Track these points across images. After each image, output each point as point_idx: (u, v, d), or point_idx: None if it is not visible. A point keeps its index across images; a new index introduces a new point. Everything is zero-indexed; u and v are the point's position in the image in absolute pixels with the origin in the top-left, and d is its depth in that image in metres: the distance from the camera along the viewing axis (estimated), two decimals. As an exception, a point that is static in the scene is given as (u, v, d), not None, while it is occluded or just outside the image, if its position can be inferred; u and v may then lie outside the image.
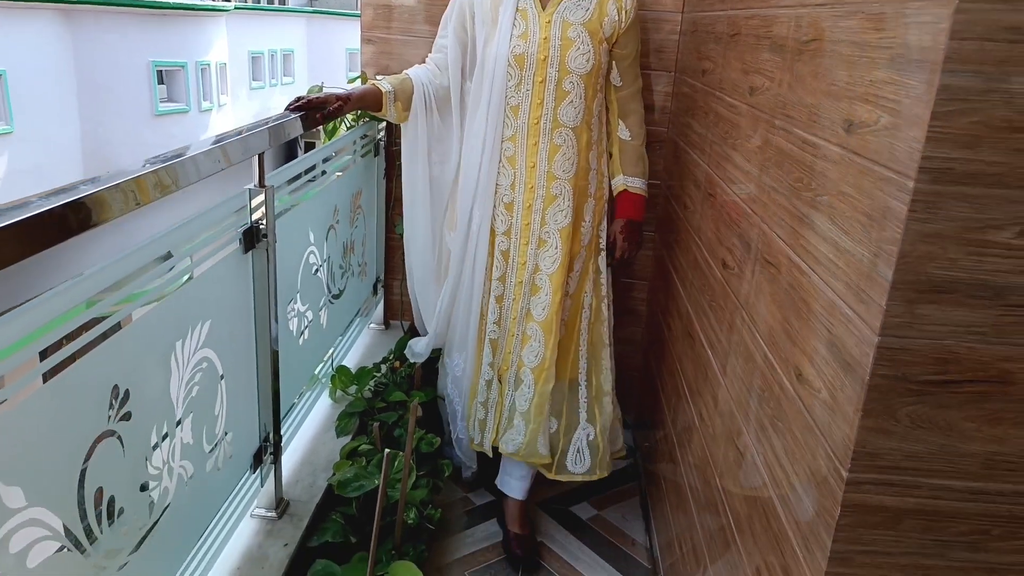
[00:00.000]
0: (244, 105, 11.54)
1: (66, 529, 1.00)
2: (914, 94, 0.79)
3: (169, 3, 8.93)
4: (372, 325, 2.87)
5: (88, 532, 1.05)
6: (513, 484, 2.15)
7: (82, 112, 8.31)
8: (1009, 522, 0.90)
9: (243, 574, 1.58)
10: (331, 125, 2.45)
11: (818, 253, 1.03)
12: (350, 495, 1.68)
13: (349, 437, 2.12)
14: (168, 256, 1.20)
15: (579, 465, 2.06)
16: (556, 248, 1.90)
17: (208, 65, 9.62)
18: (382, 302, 2.89)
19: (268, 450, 1.73)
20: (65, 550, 1.01)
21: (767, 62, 1.34)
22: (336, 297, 2.28)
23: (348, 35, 15.58)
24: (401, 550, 1.67)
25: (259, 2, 14.67)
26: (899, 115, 0.82)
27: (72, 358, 1.00)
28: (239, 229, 1.50)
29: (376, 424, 2.01)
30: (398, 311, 2.91)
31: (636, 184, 1.97)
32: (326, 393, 2.32)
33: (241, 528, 1.69)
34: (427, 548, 1.80)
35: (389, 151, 2.71)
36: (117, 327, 1.08)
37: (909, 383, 0.85)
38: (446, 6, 2.72)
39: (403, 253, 2.83)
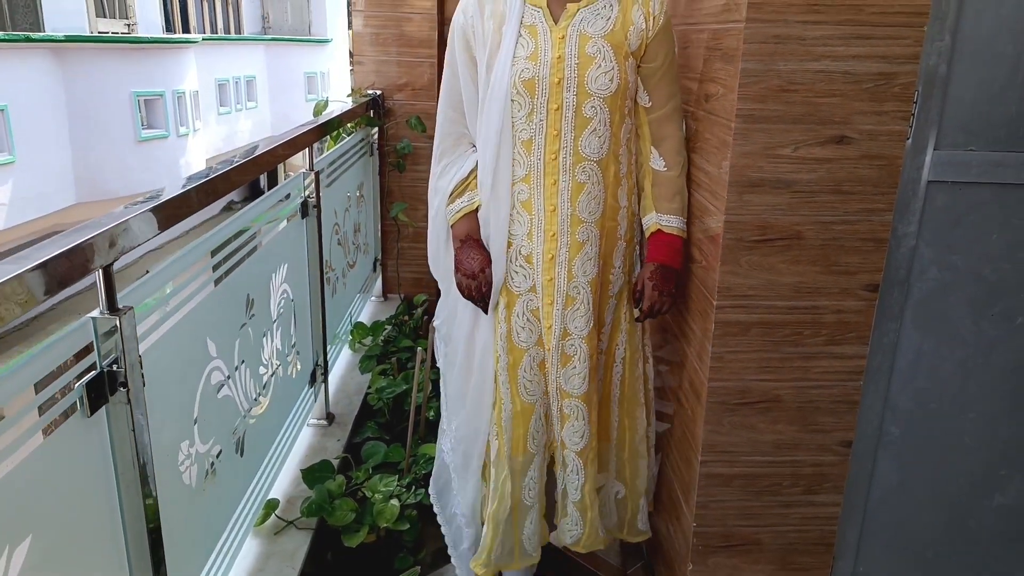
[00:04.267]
0: (214, 130, 12.07)
1: (231, 382, 1.56)
2: (731, 75, 1.41)
3: (147, 38, 9.50)
4: (373, 298, 3.43)
5: (240, 389, 1.61)
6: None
7: (73, 141, 8.86)
8: (812, 325, 1.51)
9: (310, 457, 2.14)
10: (336, 132, 3.01)
11: (697, 179, 1.64)
12: (386, 397, 2.24)
13: (370, 374, 2.67)
14: (285, 198, 1.77)
15: (607, 519, 1.83)
16: (587, 304, 1.59)
17: (183, 93, 10.21)
18: (380, 278, 3.45)
19: (320, 372, 2.28)
20: (231, 396, 1.56)
21: (666, 62, 1.95)
22: (351, 266, 2.84)
23: (305, 60, 16.18)
24: (425, 438, 2.23)
25: (218, 32, 15.18)
26: (727, 87, 1.44)
27: (228, 272, 1.55)
28: (298, 202, 2.06)
29: (394, 358, 2.57)
30: (395, 286, 3.48)
31: (672, 223, 1.61)
32: (347, 347, 2.88)
33: (303, 433, 2.24)
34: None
35: (381, 151, 3.29)
36: (250, 253, 1.64)
37: (745, 242, 1.46)
38: (419, 29, 3.32)
39: (397, 236, 3.41)
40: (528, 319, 1.63)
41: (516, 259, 1.61)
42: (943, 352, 1.58)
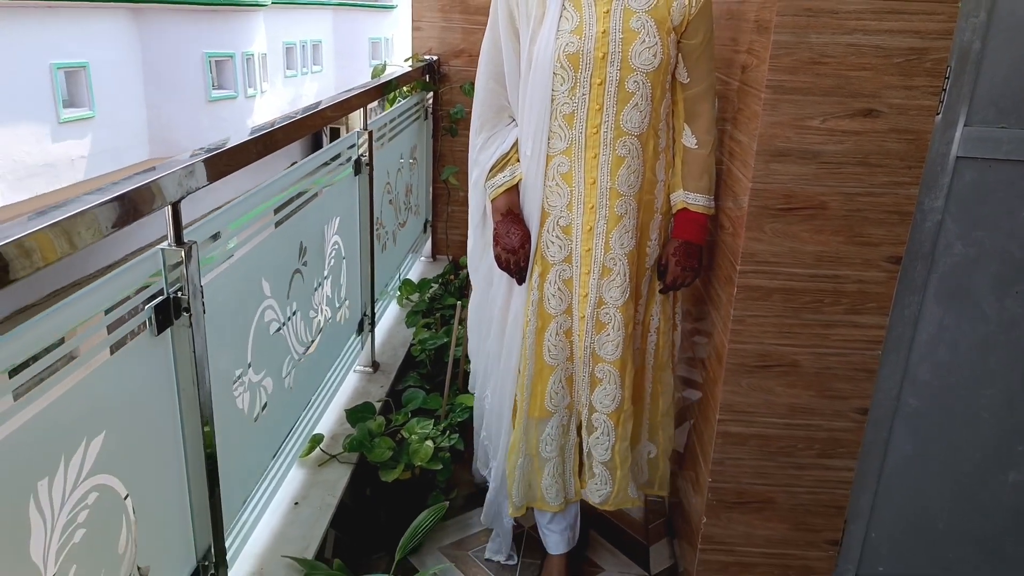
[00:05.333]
0: (280, 93, 12.42)
1: (282, 321, 1.70)
2: (764, 47, 1.45)
3: (219, 0, 9.86)
4: (422, 258, 3.56)
5: (290, 328, 1.74)
6: (554, 539, 1.92)
7: (148, 99, 9.38)
8: (833, 294, 1.56)
9: (354, 399, 2.28)
10: (392, 95, 3.12)
11: (732, 149, 1.69)
12: (428, 348, 2.37)
13: (415, 328, 2.81)
14: (333, 159, 1.90)
15: (639, 477, 1.91)
16: (624, 276, 1.64)
17: (252, 55, 10.58)
18: (430, 239, 3.58)
19: (367, 321, 2.42)
20: (282, 333, 1.70)
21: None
22: (402, 225, 2.97)
23: (370, 26, 16.40)
24: (462, 389, 2.35)
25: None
26: (760, 59, 1.48)
27: (283, 220, 1.68)
28: (351, 159, 2.18)
29: (439, 314, 2.70)
30: (444, 247, 3.60)
31: (699, 202, 1.66)
32: (395, 302, 3.01)
33: (349, 377, 2.38)
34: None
35: (436, 115, 3.39)
36: (305, 203, 1.76)
37: (770, 210, 1.52)
38: (478, -5, 3.38)
39: (447, 199, 3.52)
40: (560, 288, 1.68)
41: (553, 229, 1.65)
42: (964, 327, 1.61)
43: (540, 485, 1.82)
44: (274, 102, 12.07)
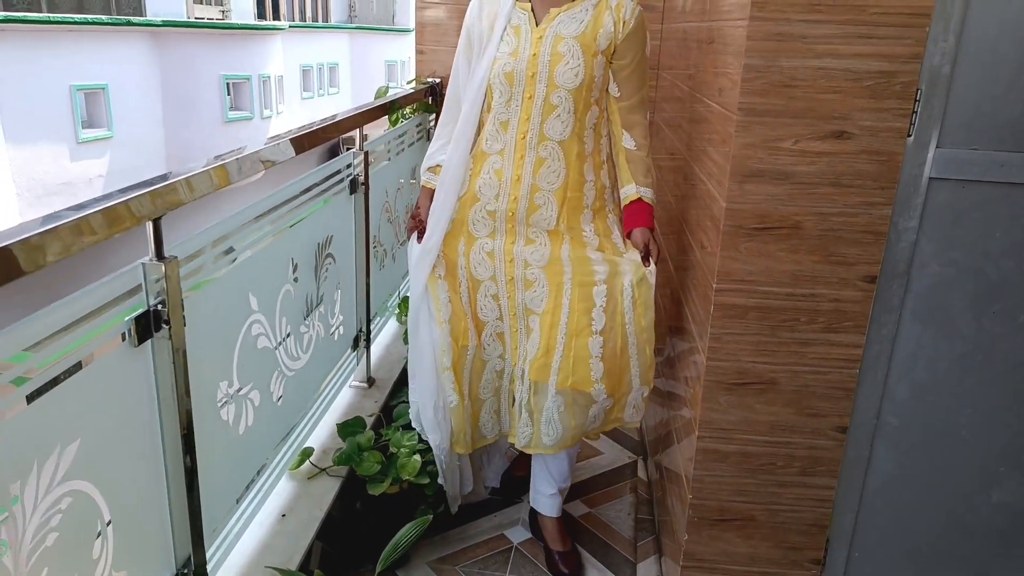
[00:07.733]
0: (297, 113, 12.67)
1: (270, 336, 1.74)
2: (736, 69, 1.49)
3: (237, 24, 10.13)
4: (425, 277, 3.60)
5: (278, 343, 1.78)
6: (544, 502, 2.14)
7: (166, 120, 9.64)
8: (809, 313, 1.58)
9: (348, 414, 2.31)
10: (395, 116, 3.18)
11: (705, 166, 1.72)
12: (420, 364, 2.40)
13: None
14: (328, 178, 1.95)
15: (636, 416, 2.01)
16: (544, 245, 1.90)
17: (268, 78, 10.84)
18: (433, 258, 3.62)
19: (362, 338, 2.46)
20: (270, 348, 1.74)
21: (694, 56, 2.03)
22: (402, 245, 3.01)
23: (386, 49, 16.70)
24: (456, 406, 2.37)
25: (306, 20, 15.81)
26: (732, 81, 1.52)
27: (279, 232, 1.72)
28: (347, 179, 2.23)
29: (434, 331, 2.73)
30: (445, 266, 3.63)
31: (647, 195, 1.90)
32: (394, 319, 3.05)
33: (344, 392, 2.42)
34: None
35: (438, 137, 3.45)
36: (297, 220, 1.81)
37: (744, 229, 1.54)
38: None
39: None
40: (483, 257, 1.95)
41: (480, 212, 1.93)
42: (942, 346, 1.62)
43: (478, 425, 2.07)
44: (290, 123, 12.30)
